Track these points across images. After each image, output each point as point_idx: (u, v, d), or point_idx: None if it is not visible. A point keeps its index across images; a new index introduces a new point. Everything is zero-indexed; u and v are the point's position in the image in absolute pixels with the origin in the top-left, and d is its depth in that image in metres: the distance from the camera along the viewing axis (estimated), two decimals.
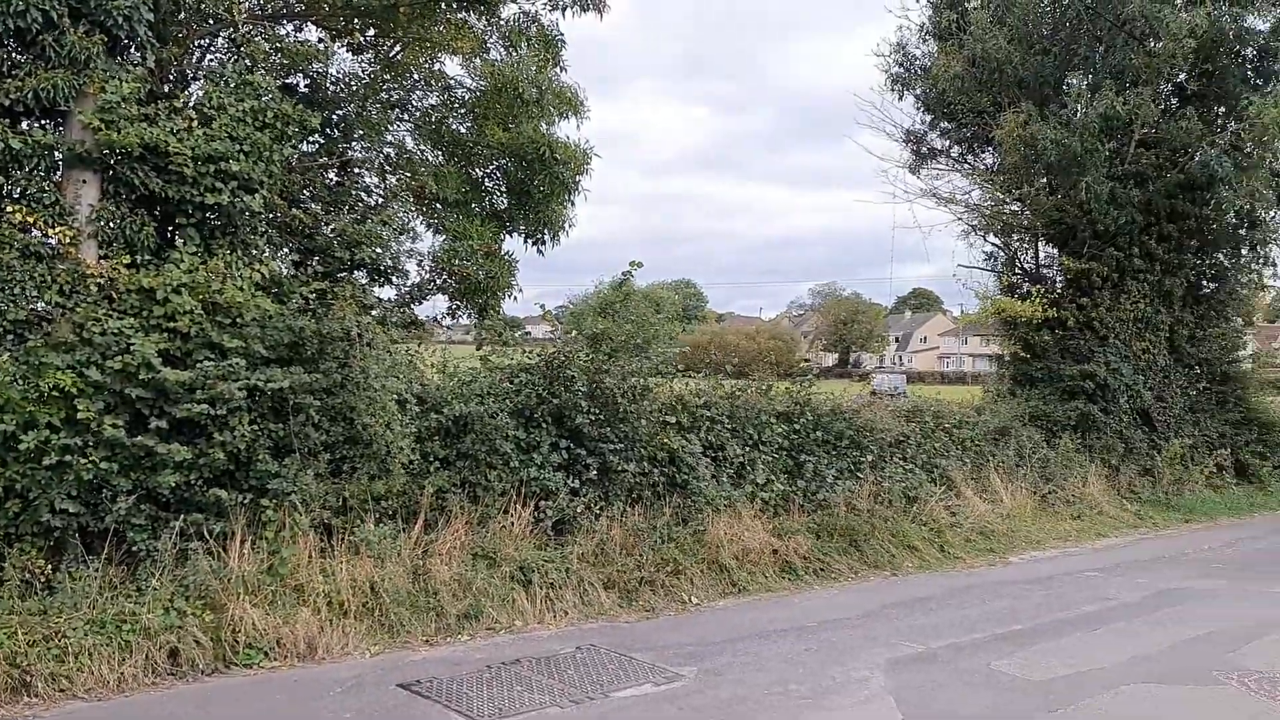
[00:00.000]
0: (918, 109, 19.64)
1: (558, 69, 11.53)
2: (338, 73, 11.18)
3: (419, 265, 10.11)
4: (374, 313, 8.64)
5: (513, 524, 8.86)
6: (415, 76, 11.71)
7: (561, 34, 11.44)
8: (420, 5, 9.37)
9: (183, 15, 8.83)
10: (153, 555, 7.10)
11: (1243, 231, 18.43)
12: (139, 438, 7.08)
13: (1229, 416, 18.29)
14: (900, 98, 19.63)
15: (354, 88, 11.17)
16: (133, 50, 8.35)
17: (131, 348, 7.15)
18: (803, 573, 10.06)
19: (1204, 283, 18.57)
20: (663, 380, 10.63)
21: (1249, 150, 16.56)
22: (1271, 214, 18.27)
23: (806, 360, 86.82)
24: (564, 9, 10.95)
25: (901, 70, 19.52)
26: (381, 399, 7.93)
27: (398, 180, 10.62)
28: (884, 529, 11.18)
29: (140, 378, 7.14)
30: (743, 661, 7.20)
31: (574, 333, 10.46)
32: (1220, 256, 18.65)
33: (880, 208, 66.68)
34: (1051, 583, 10.46)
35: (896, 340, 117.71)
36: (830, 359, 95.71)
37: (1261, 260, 19.18)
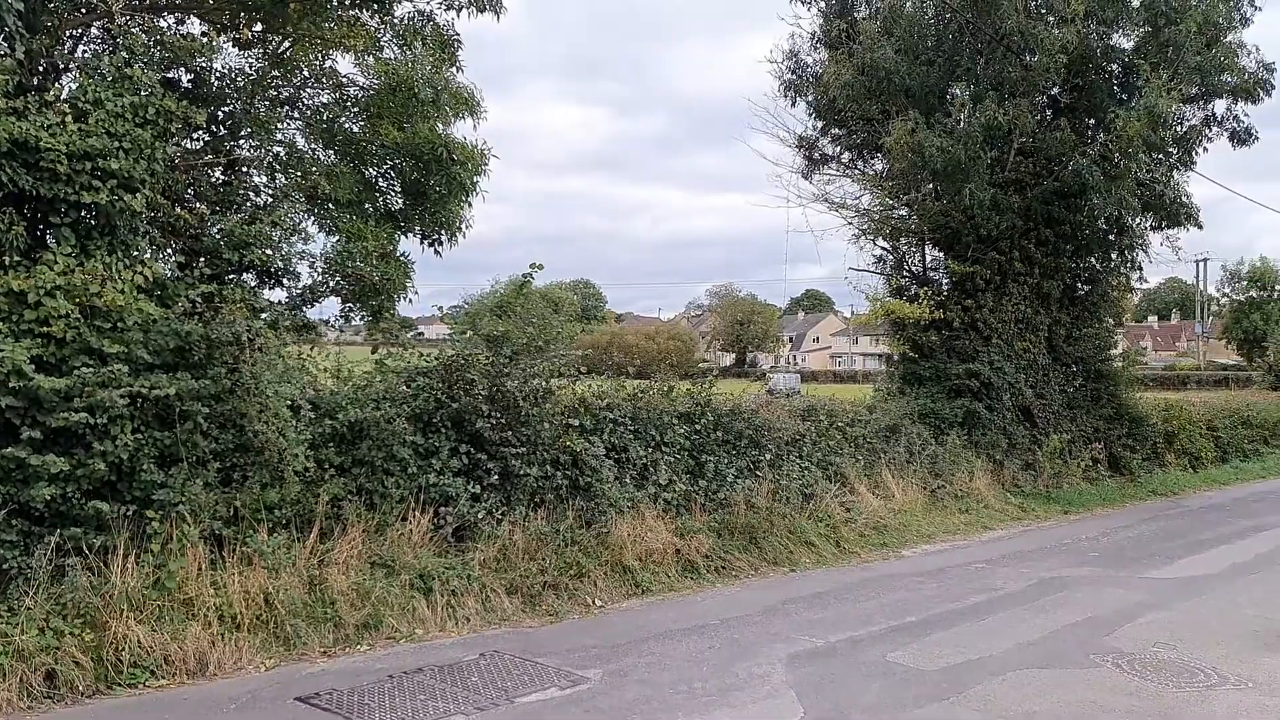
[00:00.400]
0: (810, 115, 20.08)
1: (454, 69, 11.39)
2: (223, 68, 10.79)
3: (311, 267, 9.84)
4: (265, 316, 8.36)
5: (411, 531, 8.69)
6: (305, 74, 11.40)
7: (458, 34, 11.32)
8: (312, 2, 9.10)
9: (54, 4, 8.39)
10: (25, 573, 6.71)
11: (1112, 237, 19.43)
12: (9, 449, 6.69)
13: (1103, 412, 19.24)
14: (793, 104, 20.06)
15: (240, 83, 10.79)
16: (0, 40, 7.90)
17: (0, 354, 6.76)
18: (704, 571, 10.17)
19: (1079, 285, 19.51)
20: (565, 382, 10.60)
21: (1116, 160, 17.46)
22: (1137, 220, 19.28)
23: (705, 360, 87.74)
24: (460, 9, 10.83)
25: (794, 77, 19.94)
26: (274, 405, 7.68)
27: (288, 180, 10.30)
28: (782, 526, 11.39)
29: (10, 385, 6.75)
30: (648, 662, 7.23)
31: (468, 333, 10.30)
32: (1093, 260, 19.62)
33: (774, 210, 67.79)
34: (942, 575, 10.82)
35: (790, 340, 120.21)
36: (728, 359, 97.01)
37: (1129, 264, 20.25)
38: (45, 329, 7.16)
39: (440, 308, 15.97)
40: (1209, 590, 10.25)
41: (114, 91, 7.94)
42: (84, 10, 8.81)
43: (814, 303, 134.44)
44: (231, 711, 6.03)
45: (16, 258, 7.49)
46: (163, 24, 10.08)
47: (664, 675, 6.92)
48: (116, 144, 7.76)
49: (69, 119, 7.67)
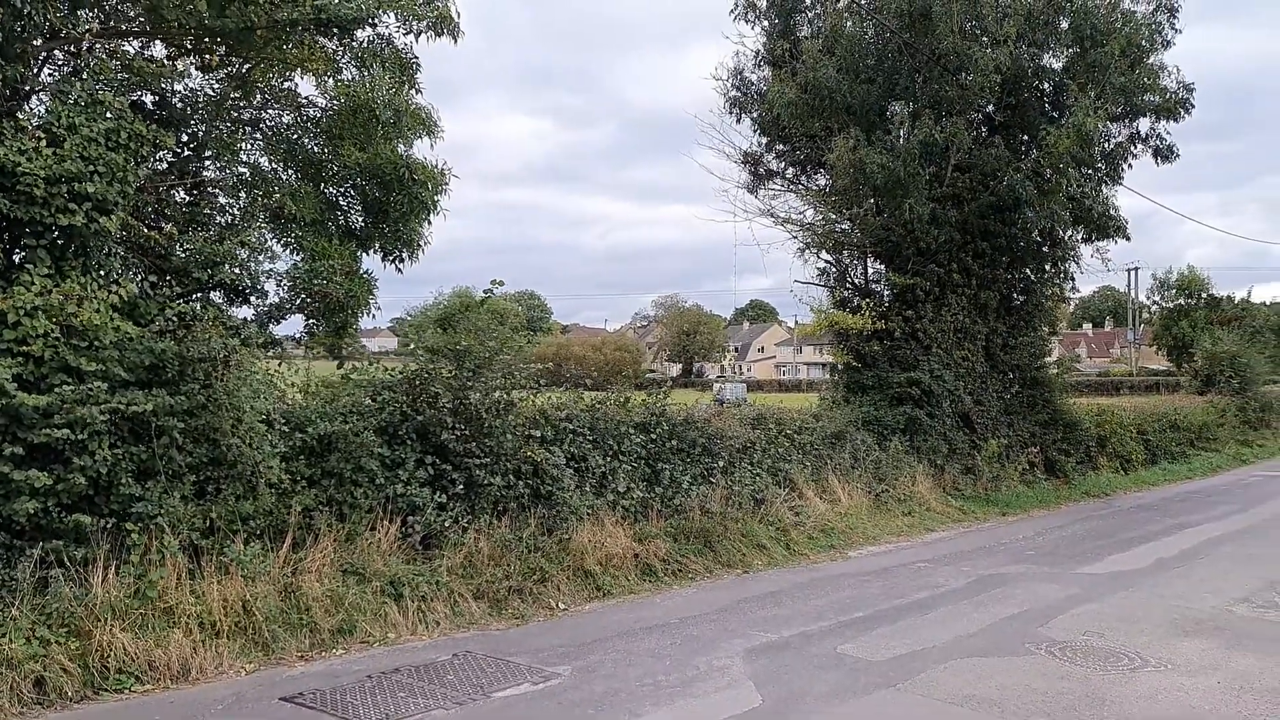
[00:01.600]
0: (755, 132, 20.68)
1: (413, 90, 11.69)
2: (185, 89, 11.00)
3: (278, 285, 10.09)
4: (240, 334, 8.61)
5: (380, 540, 8.99)
6: (265, 95, 11.62)
7: (416, 57, 11.60)
8: (277, 29, 9.37)
9: (26, 33, 8.57)
10: (9, 585, 6.91)
11: (1045, 249, 20.33)
12: None
13: (1038, 417, 20.06)
14: (738, 120, 20.67)
15: (202, 105, 11.00)
16: None
17: None
18: (662, 574, 10.60)
19: (1014, 295, 20.31)
20: (526, 395, 10.96)
21: (1048, 176, 18.31)
22: (1069, 233, 20.20)
23: (653, 371, 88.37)
24: (418, 34, 11.14)
25: (739, 94, 20.53)
26: (249, 420, 7.95)
27: (253, 200, 10.53)
28: (735, 530, 11.87)
29: None
30: (614, 658, 7.64)
31: (413, 345, 10.61)
32: (1028, 271, 20.47)
33: (721, 224, 68.73)
34: (887, 574, 11.36)
35: (736, 350, 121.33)
36: (675, 369, 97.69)
37: (1062, 275, 21.18)
38: (24, 348, 7.35)
39: (399, 319, 16.18)
40: (1135, 584, 10.92)
41: (87, 116, 8.15)
42: (55, 36, 8.98)
43: (759, 313, 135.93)
44: (219, 712, 6.30)
45: None
46: (127, 48, 10.27)
47: (630, 670, 7.33)
48: (91, 168, 7.97)
49: (43, 143, 7.89)
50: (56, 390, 7.26)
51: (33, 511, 7.03)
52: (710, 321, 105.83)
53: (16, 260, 8.08)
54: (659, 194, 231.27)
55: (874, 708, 6.60)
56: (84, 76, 9.04)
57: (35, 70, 9.87)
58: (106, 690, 6.60)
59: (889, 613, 9.38)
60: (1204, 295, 52.05)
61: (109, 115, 8.28)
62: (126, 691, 6.65)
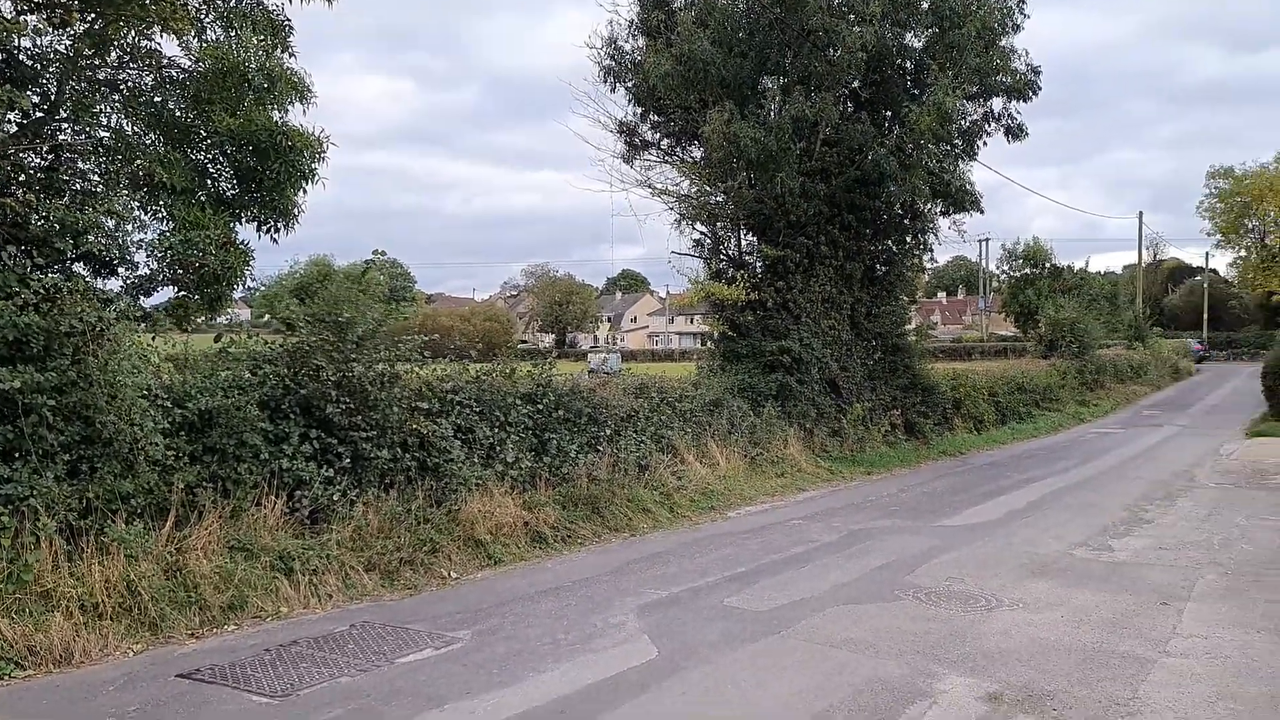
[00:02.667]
0: (629, 102, 20.73)
1: (286, 54, 11.37)
2: (32, 46, 10.38)
3: (149, 256, 9.71)
4: (114, 307, 8.27)
5: (267, 515, 8.86)
6: (121, 53, 11.05)
7: (289, 19, 11.29)
8: None
9: None
10: None
11: (907, 221, 21.29)
12: None
13: (899, 382, 21.11)
14: (613, 90, 20.63)
15: (53, 61, 10.40)
16: None
17: None
18: (552, 541, 10.80)
19: (878, 266, 21.24)
20: (410, 367, 10.91)
21: (910, 151, 19.18)
22: (928, 206, 21.22)
23: (524, 341, 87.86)
24: None
25: (613, 64, 20.49)
26: (130, 395, 7.71)
27: (117, 167, 10.06)
28: (622, 496, 12.18)
29: None
30: (512, 621, 7.82)
31: (265, 316, 10.44)
32: (890, 243, 21.41)
33: (596, 193, 68.59)
34: (765, 531, 11.89)
35: (609, 320, 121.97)
36: (547, 339, 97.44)
37: (922, 246, 22.26)
38: None
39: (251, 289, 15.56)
40: (989, 533, 11.76)
41: None
42: None
43: (630, 283, 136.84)
44: (111, 692, 6.18)
45: None
46: None
47: (529, 631, 7.53)
48: None
49: None
50: None
51: None
52: (583, 291, 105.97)
53: None
54: (526, 159, 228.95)
55: (761, 653, 7.00)
56: None
57: None
58: None
59: (769, 567, 9.86)
60: (1047, 265, 55.36)
61: None
62: (6, 678, 6.42)
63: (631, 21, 20.35)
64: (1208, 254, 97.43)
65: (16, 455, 7.47)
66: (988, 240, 71.59)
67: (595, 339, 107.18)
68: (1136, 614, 8.06)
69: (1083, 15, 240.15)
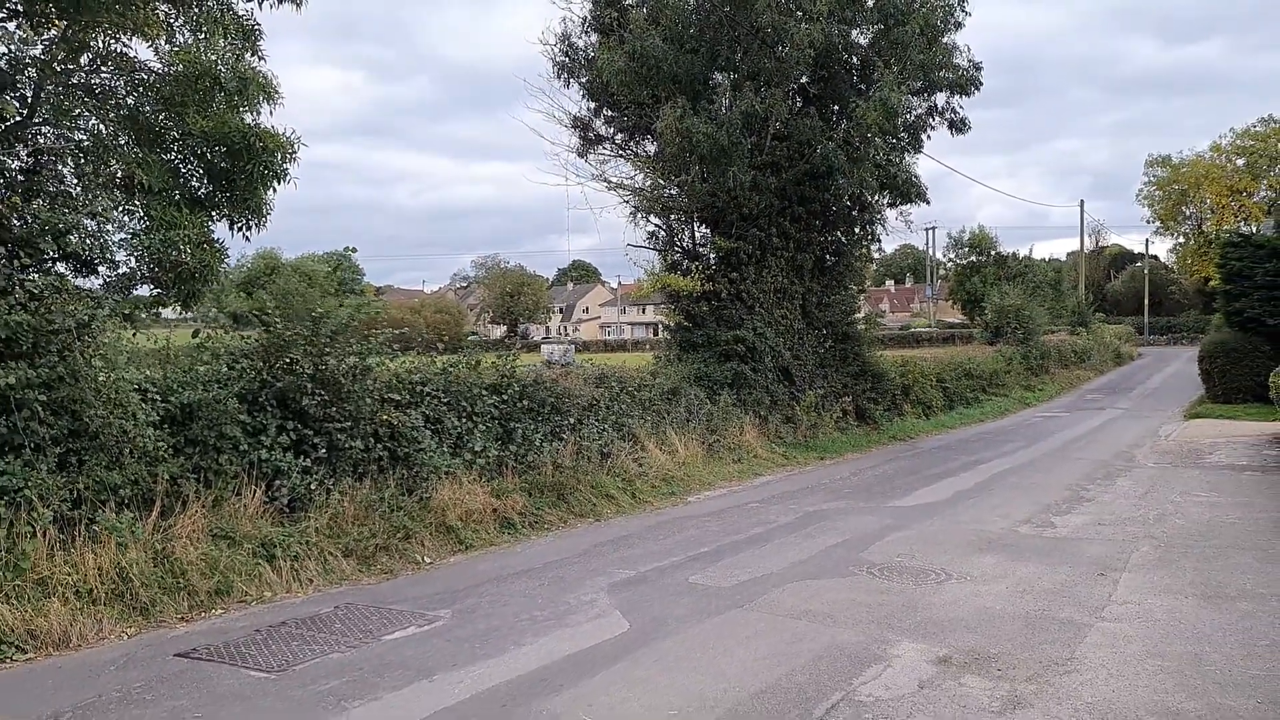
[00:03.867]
0: (583, 97, 21.14)
1: (255, 58, 11.61)
2: (7, 50, 10.53)
3: (129, 255, 9.95)
4: (104, 305, 8.53)
5: (247, 504, 9.19)
6: (96, 58, 11.25)
7: (258, 24, 11.54)
8: None
9: None
10: None
11: (855, 213, 21.99)
12: None
13: (850, 369, 21.81)
14: (567, 85, 21.02)
15: (28, 65, 10.57)
16: None
17: None
18: (520, 527, 11.24)
19: (827, 257, 21.89)
20: (379, 359, 11.25)
21: (857, 145, 19.81)
22: (876, 198, 21.90)
23: (474, 334, 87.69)
24: (261, 1, 11.10)
25: (566, 60, 20.84)
26: (122, 389, 7.99)
27: (95, 169, 10.27)
28: (586, 482, 12.65)
29: None
30: (489, 601, 8.25)
31: (214, 312, 10.71)
32: (839, 234, 22.08)
33: (551, 186, 68.64)
34: (724, 514, 12.43)
35: (561, 311, 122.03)
36: (499, 331, 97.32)
37: (870, 237, 22.97)
38: None
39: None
40: (938, 513, 12.41)
41: None
42: None
43: (582, 274, 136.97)
44: (114, 672, 6.51)
45: None
46: None
47: (506, 609, 7.97)
48: None
49: None
50: None
51: None
52: (534, 283, 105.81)
53: None
54: (476, 151, 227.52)
55: (727, 625, 7.51)
56: None
57: None
58: None
59: (730, 547, 10.39)
60: (993, 253, 56.73)
61: None
62: (9, 661, 6.72)
63: (584, 19, 20.73)
64: (1148, 241, 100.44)
65: (10, 449, 7.73)
66: (934, 229, 73.27)
67: (547, 330, 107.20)
68: (1075, 584, 8.69)
69: (1029, 4, 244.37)
